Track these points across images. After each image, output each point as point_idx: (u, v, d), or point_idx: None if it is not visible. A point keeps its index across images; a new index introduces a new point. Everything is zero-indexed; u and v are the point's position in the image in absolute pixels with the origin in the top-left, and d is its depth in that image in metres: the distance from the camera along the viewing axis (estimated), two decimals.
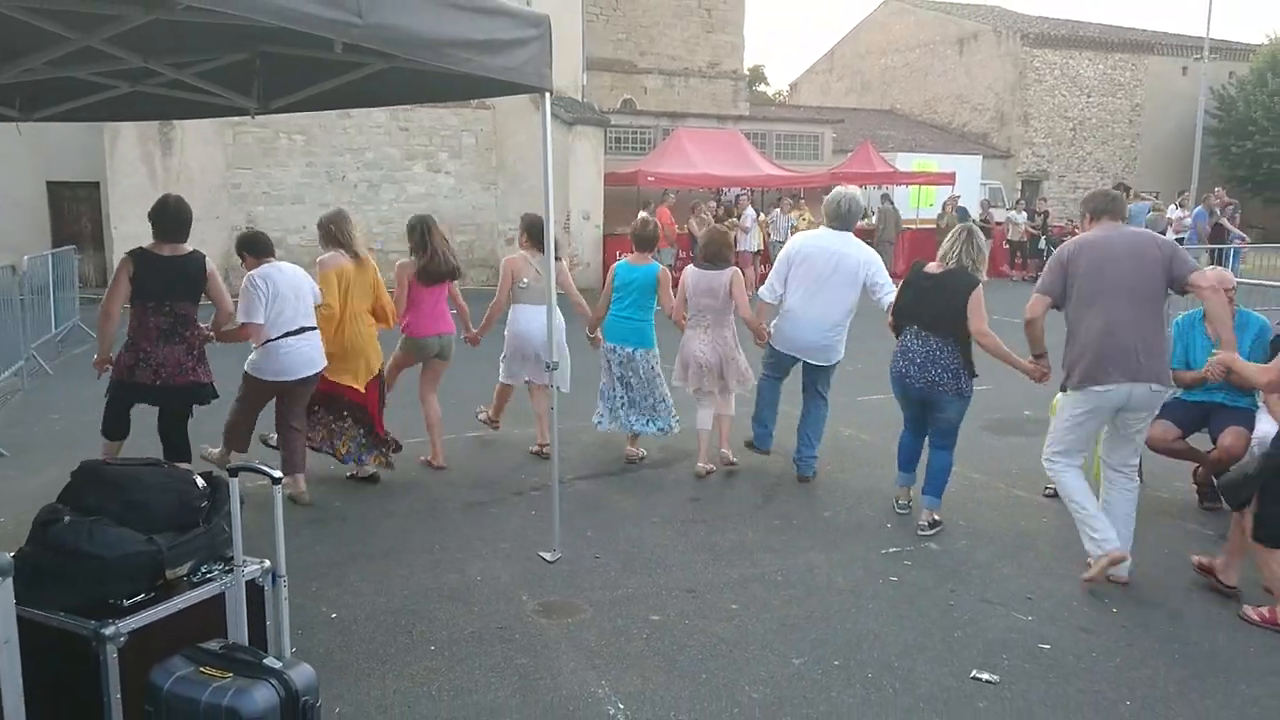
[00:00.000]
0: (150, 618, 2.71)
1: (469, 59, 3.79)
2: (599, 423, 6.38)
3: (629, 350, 6.13)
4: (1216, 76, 29.44)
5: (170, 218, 4.88)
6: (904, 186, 22.96)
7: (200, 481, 3.04)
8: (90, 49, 3.82)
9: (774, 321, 5.88)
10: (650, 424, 6.24)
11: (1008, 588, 4.38)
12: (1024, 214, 21.87)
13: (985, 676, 3.55)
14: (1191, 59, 29.73)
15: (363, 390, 5.69)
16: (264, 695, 2.26)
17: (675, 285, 6.26)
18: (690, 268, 6.13)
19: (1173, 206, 21.47)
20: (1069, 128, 30.57)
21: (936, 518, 5.10)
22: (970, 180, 23.96)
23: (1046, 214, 22.63)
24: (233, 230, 14.88)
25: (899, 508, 5.35)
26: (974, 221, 15.19)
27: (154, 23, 3.59)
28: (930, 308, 4.93)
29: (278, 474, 2.67)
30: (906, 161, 24.59)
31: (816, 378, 5.87)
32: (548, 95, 4.47)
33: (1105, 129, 30.97)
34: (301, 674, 2.36)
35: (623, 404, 6.28)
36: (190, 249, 4.97)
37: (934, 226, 19.77)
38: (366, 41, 3.19)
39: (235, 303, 5.17)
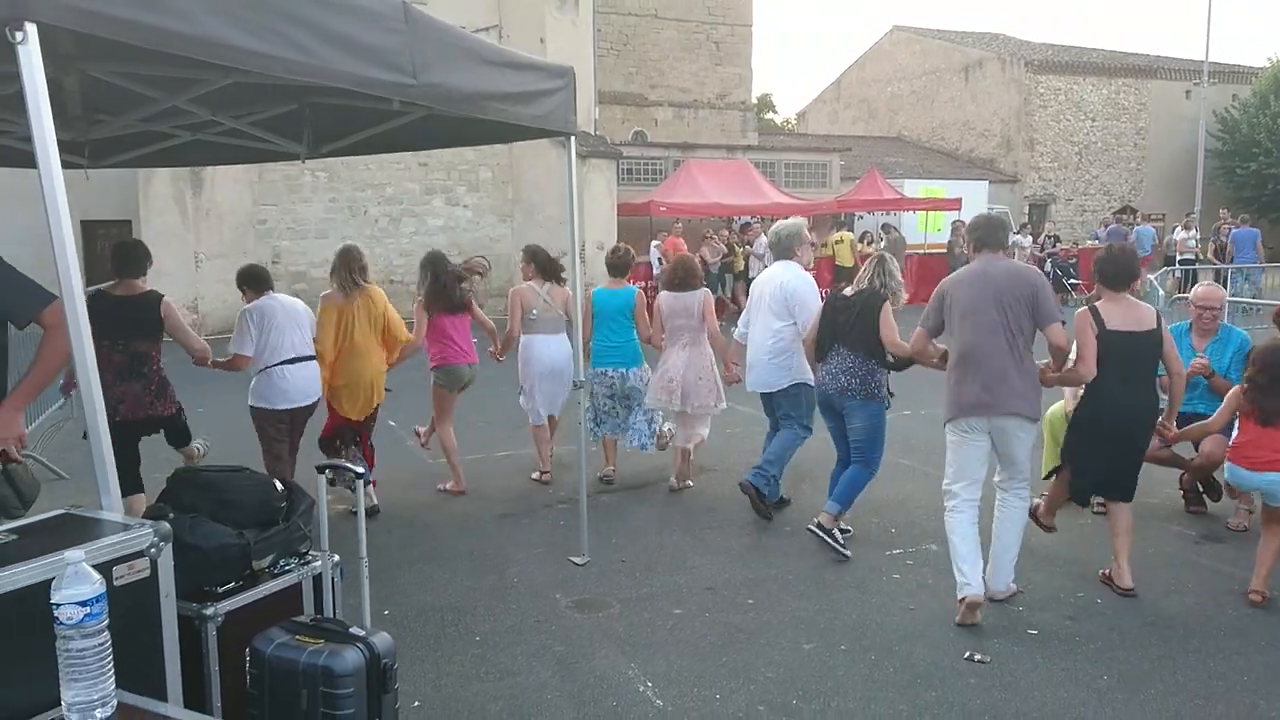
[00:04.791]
0: (241, 601, 3.13)
1: (503, 109, 4.25)
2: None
3: (621, 371, 6.49)
4: (1219, 99, 29.88)
5: (120, 254, 5.16)
6: (912, 212, 23.42)
7: (279, 485, 3.47)
8: (172, 107, 4.29)
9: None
10: (634, 439, 6.57)
11: None
12: (1029, 238, 22.22)
13: (978, 657, 3.92)
14: (1194, 83, 30.20)
15: (360, 421, 5.92)
16: (352, 657, 2.66)
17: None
18: (663, 292, 6.49)
19: (1178, 228, 21.83)
20: (1075, 152, 31.04)
21: (836, 530, 5.21)
22: (977, 205, 24.32)
23: (1057, 238, 22.99)
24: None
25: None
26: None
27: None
28: (844, 324, 5.28)
29: (360, 469, 3.11)
30: (914, 188, 25.11)
31: (778, 410, 5.94)
32: (572, 139, 4.94)
33: (1110, 153, 31.42)
34: (382, 640, 2.76)
35: (610, 414, 6.57)
36: (147, 289, 5.18)
37: (944, 250, 20.16)
38: (419, 99, 3.65)
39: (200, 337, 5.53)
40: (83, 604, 1.82)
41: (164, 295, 5.25)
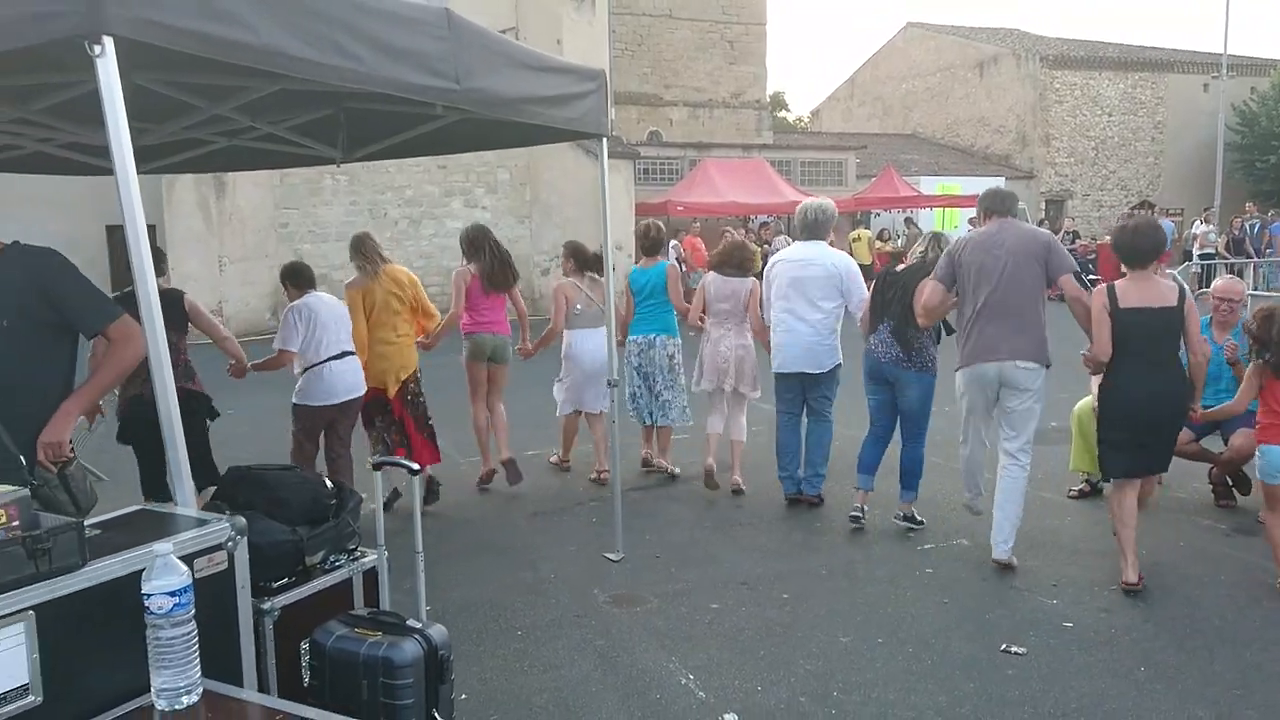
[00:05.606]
0: (295, 596, 3.20)
1: (539, 112, 4.32)
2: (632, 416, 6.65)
3: (650, 337, 6.55)
4: (1238, 92, 29.67)
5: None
6: (928, 209, 23.41)
7: (328, 484, 3.55)
8: (215, 115, 4.38)
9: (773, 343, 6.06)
10: (664, 416, 6.63)
11: (1034, 576, 4.79)
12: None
13: (1015, 649, 3.97)
14: (1212, 76, 29.99)
15: (396, 397, 5.97)
16: (411, 648, 2.74)
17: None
18: (712, 274, 6.46)
19: (1197, 222, 21.75)
20: (1091, 147, 30.92)
21: (914, 512, 5.54)
22: None
23: (1076, 234, 22.94)
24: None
25: (852, 512, 5.56)
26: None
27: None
28: (897, 299, 5.36)
29: (416, 466, 3.19)
30: (930, 185, 25.10)
31: (813, 392, 5.92)
32: (604, 140, 5.01)
33: (1128, 147, 31.28)
34: (438, 632, 2.83)
35: (641, 393, 6.66)
36: (168, 288, 5.21)
37: None
38: (461, 103, 3.72)
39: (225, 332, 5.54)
40: (172, 594, 1.90)
41: (185, 292, 5.39)
